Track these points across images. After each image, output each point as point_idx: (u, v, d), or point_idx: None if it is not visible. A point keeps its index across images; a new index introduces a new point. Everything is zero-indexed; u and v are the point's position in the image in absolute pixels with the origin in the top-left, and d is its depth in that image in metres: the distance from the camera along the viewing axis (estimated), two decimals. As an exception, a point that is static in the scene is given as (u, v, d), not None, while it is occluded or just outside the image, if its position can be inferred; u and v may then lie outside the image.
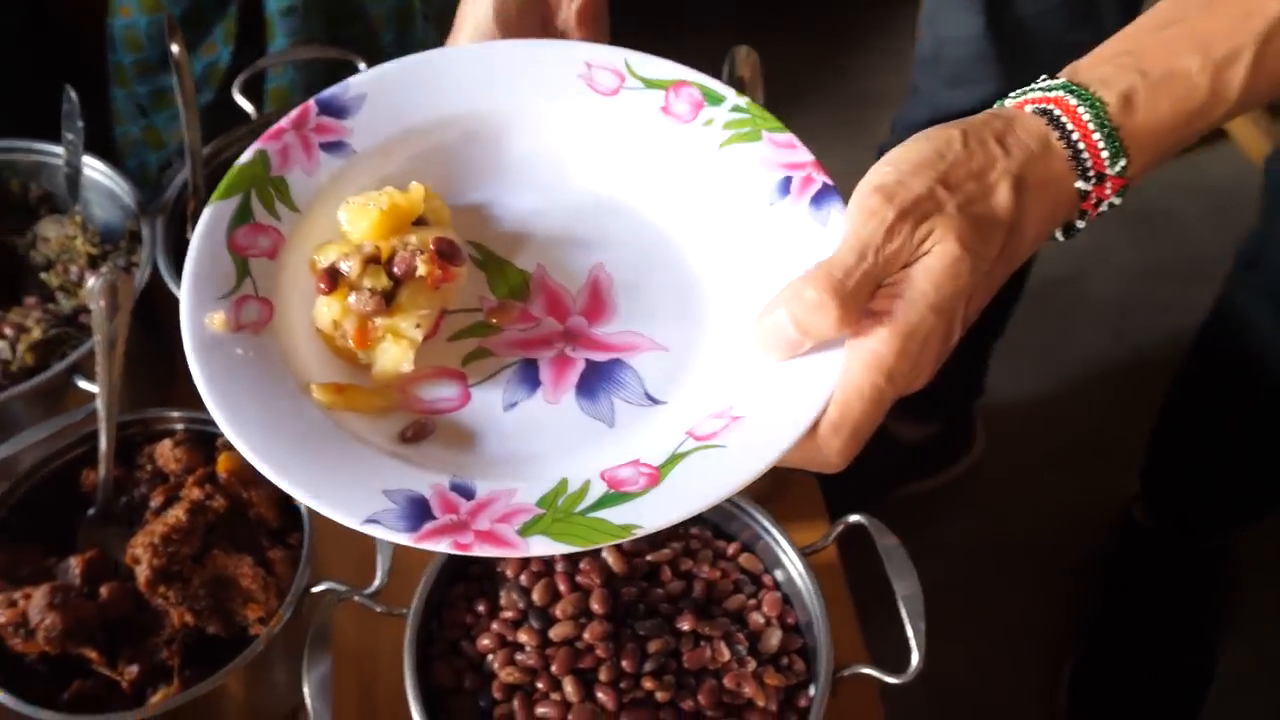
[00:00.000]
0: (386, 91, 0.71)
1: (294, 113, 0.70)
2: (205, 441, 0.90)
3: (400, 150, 0.71)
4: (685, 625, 0.81)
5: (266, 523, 0.88)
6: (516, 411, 0.63)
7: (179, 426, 0.90)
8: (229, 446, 0.89)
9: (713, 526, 0.89)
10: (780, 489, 1.00)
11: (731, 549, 0.87)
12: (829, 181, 0.66)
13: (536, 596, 0.81)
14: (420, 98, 0.71)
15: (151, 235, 0.99)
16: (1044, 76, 0.64)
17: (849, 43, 2.35)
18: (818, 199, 0.65)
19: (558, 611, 0.80)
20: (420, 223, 0.67)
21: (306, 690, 0.75)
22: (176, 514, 0.82)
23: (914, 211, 0.57)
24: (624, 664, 0.78)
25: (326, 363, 0.64)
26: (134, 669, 0.80)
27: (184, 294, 0.63)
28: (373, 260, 0.64)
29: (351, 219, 0.66)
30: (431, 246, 0.64)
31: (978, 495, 1.77)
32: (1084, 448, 1.83)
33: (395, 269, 0.64)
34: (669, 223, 0.70)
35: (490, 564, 0.85)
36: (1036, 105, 0.62)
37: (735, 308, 0.64)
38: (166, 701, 0.79)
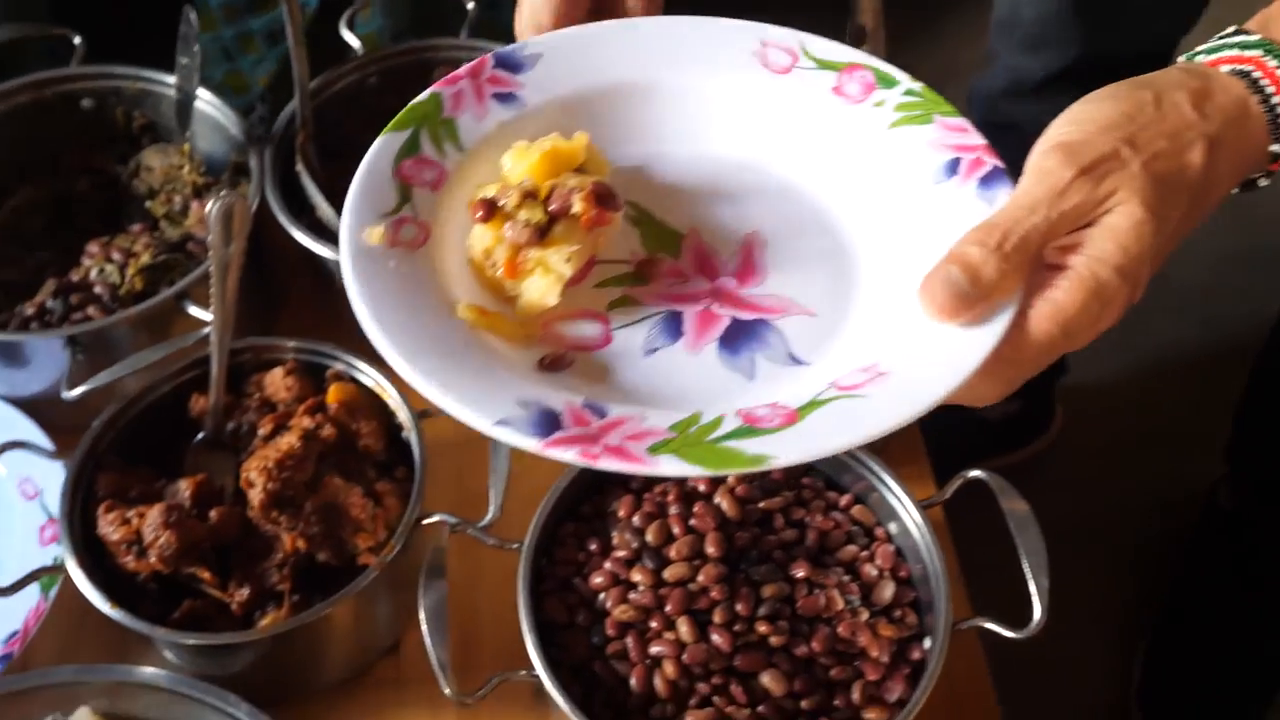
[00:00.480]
0: (562, 53, 0.73)
1: (471, 63, 0.72)
2: (315, 372, 0.89)
3: (568, 108, 0.72)
4: (799, 572, 0.79)
5: (373, 455, 0.87)
6: (656, 357, 0.63)
7: (289, 356, 0.90)
8: (339, 377, 0.89)
9: (824, 478, 0.88)
10: (885, 441, 0.98)
11: (843, 500, 0.86)
12: (1001, 165, 0.65)
13: (650, 537, 0.80)
14: (594, 62, 0.73)
15: (260, 166, 0.98)
16: (1232, 29, 0.61)
17: (938, 12, 2.32)
18: (987, 180, 0.64)
19: (672, 552, 0.79)
20: (580, 172, 0.68)
21: (422, 614, 0.74)
22: (290, 440, 0.82)
23: (1096, 169, 0.56)
24: (738, 607, 0.77)
25: (475, 293, 0.65)
26: (245, 591, 0.80)
27: (347, 206, 0.65)
28: (530, 195, 0.65)
29: (513, 160, 0.68)
30: (589, 187, 0.65)
31: (1055, 474, 1.74)
32: (1164, 431, 1.80)
33: (551, 204, 0.65)
34: (828, 196, 0.70)
35: (601, 504, 0.84)
36: (1234, 66, 0.60)
37: (889, 278, 0.64)
38: (275, 625, 0.79)
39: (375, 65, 1.08)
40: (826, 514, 0.85)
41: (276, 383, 0.88)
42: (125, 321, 0.90)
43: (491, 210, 0.65)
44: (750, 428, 0.57)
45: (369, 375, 0.88)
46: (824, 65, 0.72)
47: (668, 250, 0.69)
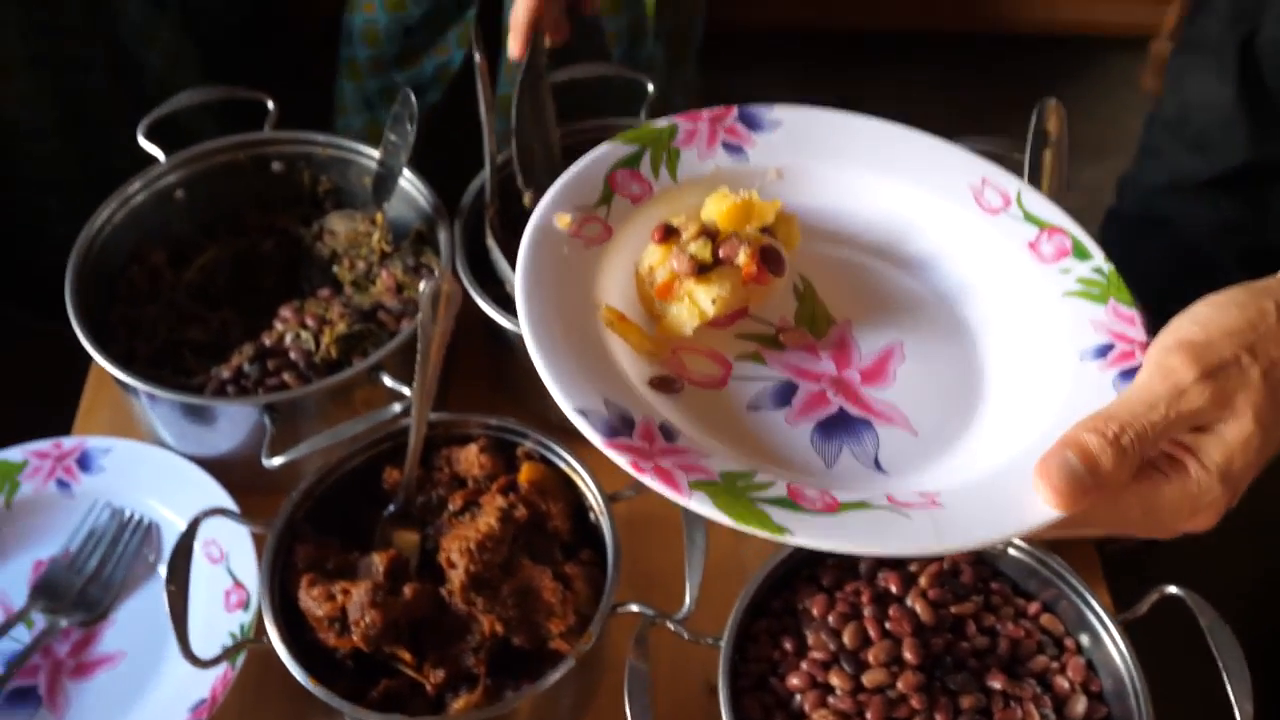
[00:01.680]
0: (800, 127, 0.79)
1: (717, 109, 0.79)
2: (506, 449, 0.90)
3: (787, 178, 0.78)
4: (996, 684, 0.79)
5: (560, 535, 0.87)
6: (756, 415, 0.68)
7: (479, 431, 0.90)
8: (530, 456, 0.89)
9: (1012, 583, 0.87)
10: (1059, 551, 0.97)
11: (1032, 609, 0.85)
12: None
13: (847, 639, 0.80)
14: (826, 144, 0.78)
15: (450, 239, 0.99)
16: None
17: (1050, 89, 2.31)
18: (1129, 375, 0.67)
19: (870, 657, 0.79)
20: (766, 232, 0.73)
21: (628, 703, 0.74)
22: (488, 521, 0.82)
23: (1217, 375, 0.58)
24: (937, 717, 0.77)
25: (629, 299, 0.72)
26: (440, 673, 0.80)
27: (551, 191, 0.73)
28: (708, 234, 0.71)
29: (710, 202, 0.73)
30: (760, 246, 0.70)
31: (1180, 562, 1.72)
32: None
33: (720, 250, 0.71)
34: (983, 338, 0.74)
35: (791, 600, 0.84)
36: None
37: (1000, 430, 0.68)
38: (471, 712, 0.79)
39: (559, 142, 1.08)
40: (1016, 621, 0.84)
41: (470, 459, 0.88)
42: (322, 391, 0.91)
43: (669, 234, 0.71)
44: (791, 502, 0.61)
45: (560, 455, 0.89)
46: (1030, 219, 0.76)
47: (815, 330, 0.73)
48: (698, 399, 0.68)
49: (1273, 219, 1.31)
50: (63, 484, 0.95)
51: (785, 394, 0.69)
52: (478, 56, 1.02)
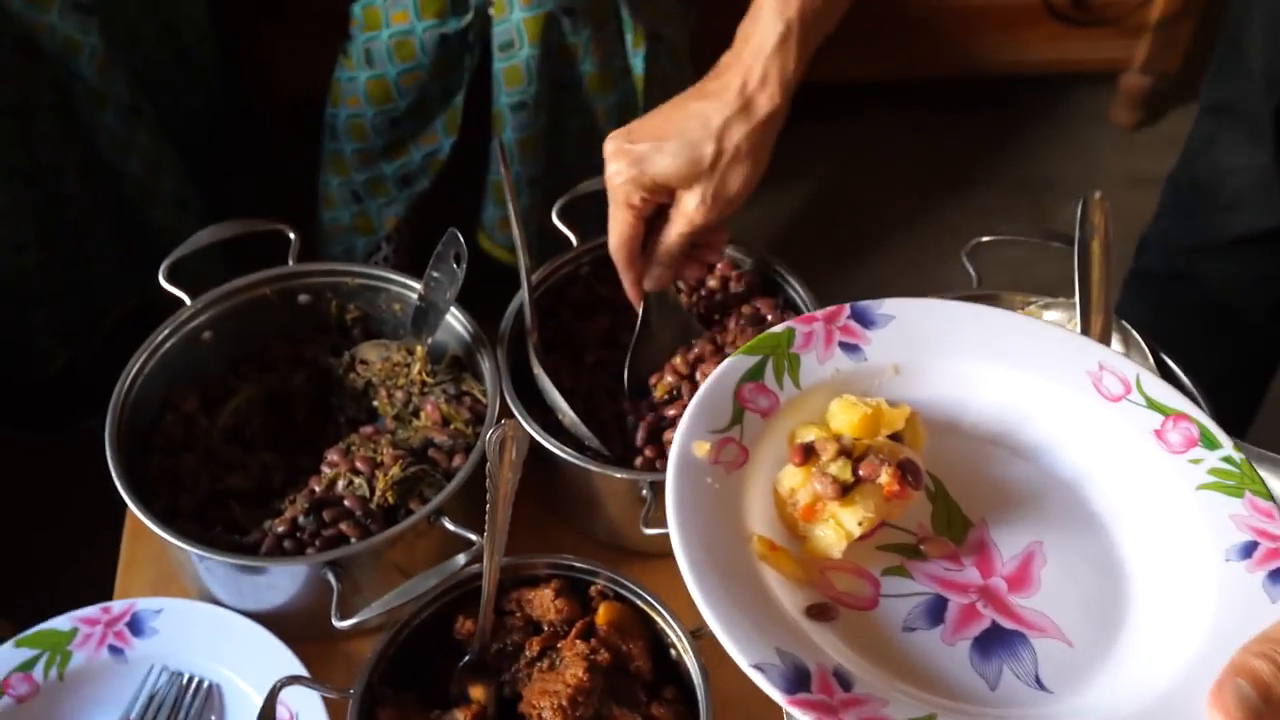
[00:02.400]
0: (913, 321, 0.78)
1: (830, 309, 0.78)
2: (579, 590, 0.88)
3: (903, 373, 0.77)
4: None
5: (643, 675, 0.86)
6: (913, 635, 0.67)
7: (547, 573, 0.88)
8: (604, 595, 0.88)
9: None
10: None
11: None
12: None
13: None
14: (938, 338, 0.77)
15: (495, 369, 0.97)
16: None
17: (1020, 127, 2.34)
18: (1276, 575, 0.66)
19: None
20: (895, 438, 0.72)
21: None
22: (575, 673, 0.80)
23: None
24: None
25: (770, 520, 0.71)
26: (538, 836, 0.78)
27: (685, 418, 0.72)
28: (844, 454, 0.70)
29: (838, 410, 0.73)
30: (898, 462, 0.69)
31: None
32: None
33: (861, 469, 0.70)
34: (1121, 535, 0.72)
35: None
36: None
37: (1152, 639, 0.66)
38: None
39: (588, 255, 1.07)
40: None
41: (545, 603, 0.86)
42: (383, 541, 0.88)
43: (808, 456, 0.70)
44: None
45: (635, 591, 0.87)
46: (1153, 406, 0.74)
47: (953, 534, 0.72)
48: (854, 624, 0.67)
49: None
50: (115, 650, 0.92)
51: (937, 610, 0.68)
52: (503, 171, 1.00)
